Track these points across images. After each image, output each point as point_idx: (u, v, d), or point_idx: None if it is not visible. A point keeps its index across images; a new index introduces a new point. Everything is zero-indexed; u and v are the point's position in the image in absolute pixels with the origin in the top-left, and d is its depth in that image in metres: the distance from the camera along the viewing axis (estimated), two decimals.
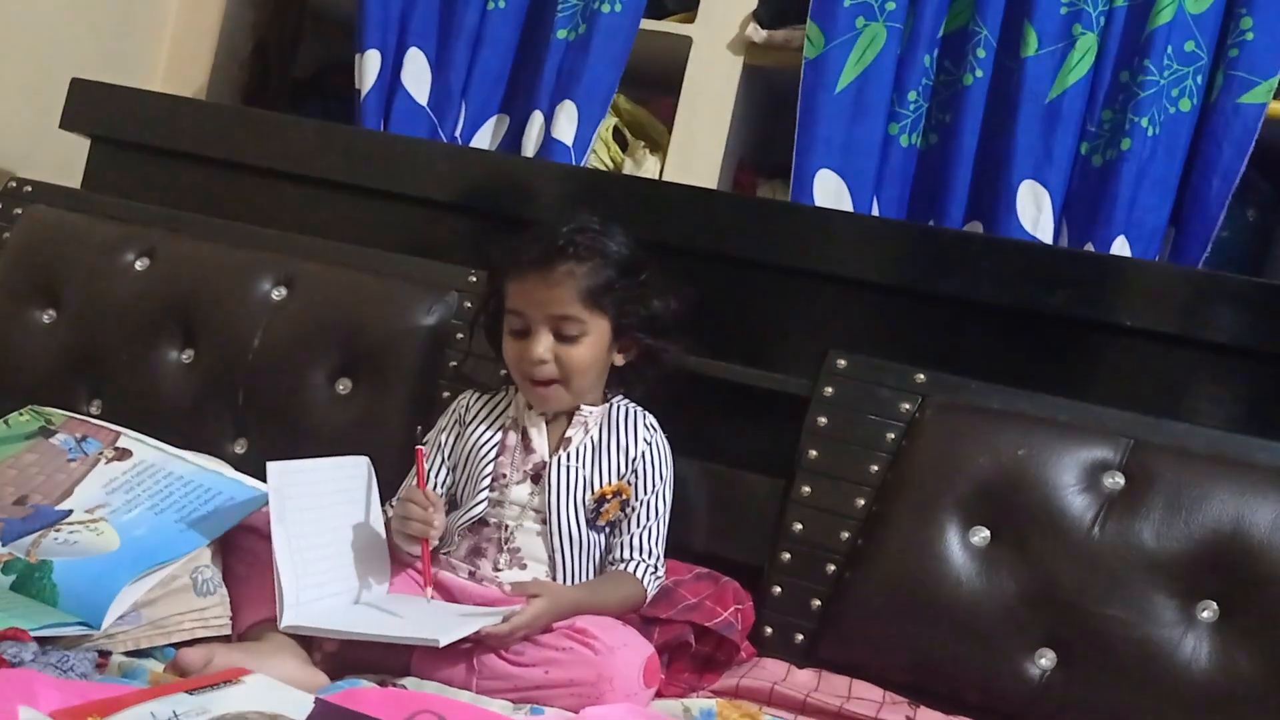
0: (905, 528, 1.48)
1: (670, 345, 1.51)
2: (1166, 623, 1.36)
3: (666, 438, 1.51)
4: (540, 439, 1.47)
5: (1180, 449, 1.46)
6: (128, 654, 1.22)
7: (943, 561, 1.45)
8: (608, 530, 1.47)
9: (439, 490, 1.48)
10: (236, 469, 1.50)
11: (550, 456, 1.46)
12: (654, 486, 1.47)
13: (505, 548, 1.44)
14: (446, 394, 1.65)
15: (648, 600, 1.44)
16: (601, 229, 1.46)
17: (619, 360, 1.50)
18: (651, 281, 1.49)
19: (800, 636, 1.51)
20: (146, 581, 1.26)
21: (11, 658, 1.08)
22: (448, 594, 1.42)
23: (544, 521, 1.44)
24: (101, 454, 1.46)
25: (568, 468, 1.45)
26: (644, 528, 1.46)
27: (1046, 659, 1.39)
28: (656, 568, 1.45)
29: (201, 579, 1.30)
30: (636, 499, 1.46)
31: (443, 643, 1.20)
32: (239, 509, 1.37)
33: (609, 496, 1.44)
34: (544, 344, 1.42)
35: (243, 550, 1.36)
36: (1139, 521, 1.40)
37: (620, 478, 1.46)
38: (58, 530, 1.32)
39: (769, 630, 1.52)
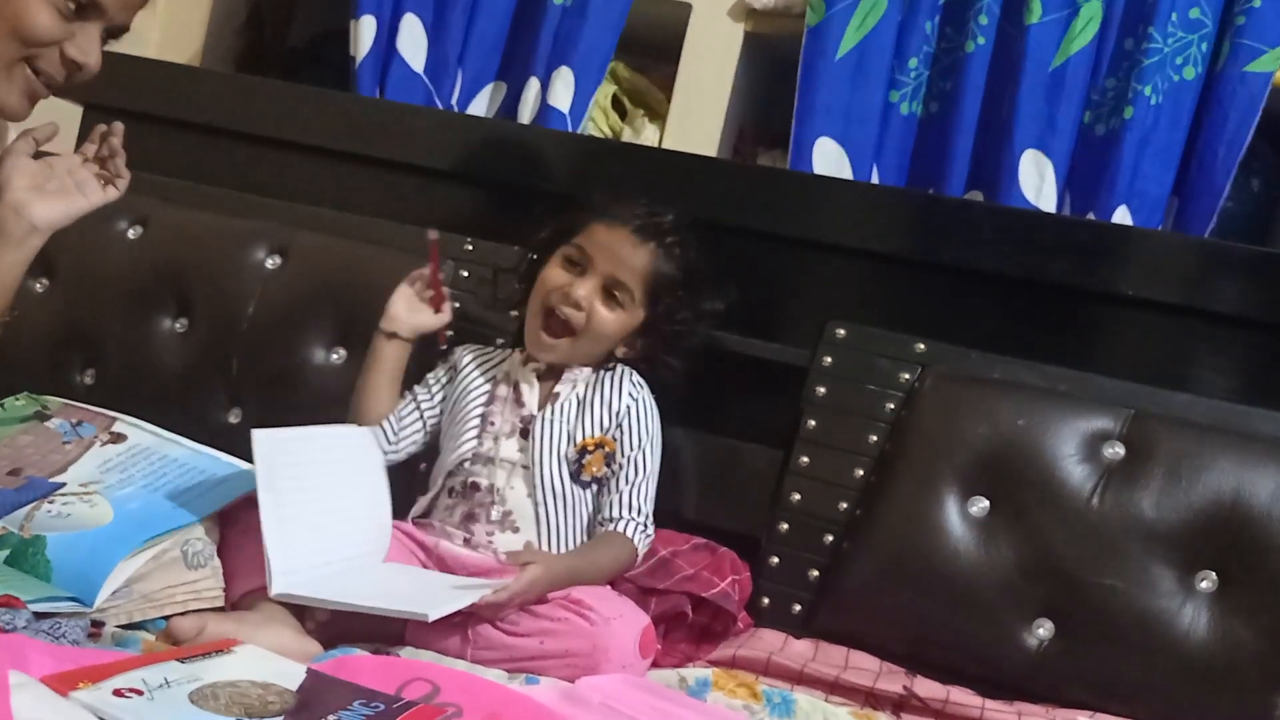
0: (904, 498, 1.48)
1: (673, 361, 1.52)
2: (1165, 593, 1.36)
3: (662, 406, 1.51)
4: (531, 394, 1.48)
5: (1181, 419, 1.46)
6: (121, 626, 1.21)
7: (941, 532, 1.44)
8: (594, 487, 1.47)
9: (418, 433, 1.51)
10: (230, 438, 1.48)
11: (538, 411, 1.47)
12: (639, 443, 1.47)
13: (497, 510, 1.44)
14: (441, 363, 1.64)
15: (639, 558, 1.44)
16: (692, 238, 1.50)
17: (621, 351, 1.50)
18: (700, 309, 1.52)
19: (798, 607, 1.51)
20: (139, 559, 1.25)
21: (5, 624, 1.08)
22: (442, 563, 1.42)
23: (527, 480, 1.44)
24: (96, 438, 1.45)
25: (553, 421, 1.46)
26: (631, 484, 1.45)
27: (1044, 629, 1.39)
28: (646, 525, 1.45)
29: (192, 551, 1.29)
30: (622, 454, 1.46)
31: (432, 617, 1.19)
32: (234, 488, 1.36)
33: (591, 448, 1.45)
34: (590, 289, 1.44)
35: (238, 520, 1.35)
36: (1139, 492, 1.40)
37: (604, 431, 1.46)
38: (51, 502, 1.31)
39: (766, 601, 1.52)
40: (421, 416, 1.52)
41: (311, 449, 1.37)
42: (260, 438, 1.29)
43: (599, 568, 1.39)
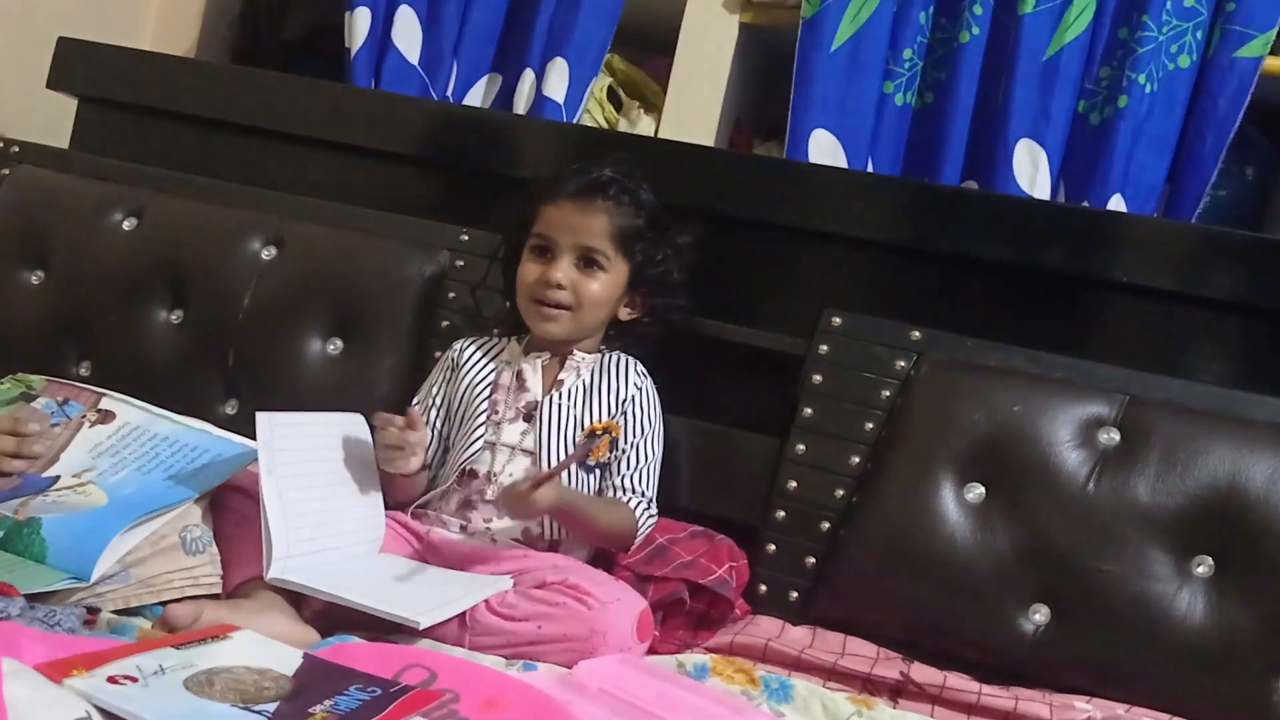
0: (900, 485, 1.48)
1: (678, 304, 1.55)
2: (1161, 578, 1.36)
3: (660, 394, 1.52)
4: (534, 379, 1.50)
5: (1176, 405, 1.45)
6: (117, 612, 1.21)
7: (937, 518, 1.44)
8: (599, 472, 1.48)
9: (432, 442, 1.50)
10: (227, 430, 1.48)
11: (543, 397, 1.48)
12: (644, 430, 1.49)
13: (492, 491, 1.44)
14: (438, 354, 1.64)
15: (637, 535, 1.44)
16: (638, 180, 1.52)
17: (624, 314, 1.53)
18: (674, 242, 1.53)
19: (795, 594, 1.51)
20: (136, 534, 1.24)
21: None
22: (436, 551, 1.42)
23: (534, 462, 1.45)
24: (85, 417, 1.44)
25: (560, 405, 1.47)
26: (635, 469, 1.47)
27: (1041, 614, 1.39)
28: (650, 506, 1.47)
29: (190, 538, 1.29)
30: (626, 441, 1.48)
31: (423, 625, 1.18)
32: (227, 464, 1.36)
33: (599, 432, 1.46)
34: (566, 269, 1.47)
35: (231, 511, 1.35)
36: (1134, 477, 1.40)
37: (610, 417, 1.48)
38: (45, 495, 1.31)
39: (763, 588, 1.52)
40: (437, 433, 1.52)
41: (313, 434, 1.37)
42: (264, 420, 1.30)
43: (597, 515, 1.41)
